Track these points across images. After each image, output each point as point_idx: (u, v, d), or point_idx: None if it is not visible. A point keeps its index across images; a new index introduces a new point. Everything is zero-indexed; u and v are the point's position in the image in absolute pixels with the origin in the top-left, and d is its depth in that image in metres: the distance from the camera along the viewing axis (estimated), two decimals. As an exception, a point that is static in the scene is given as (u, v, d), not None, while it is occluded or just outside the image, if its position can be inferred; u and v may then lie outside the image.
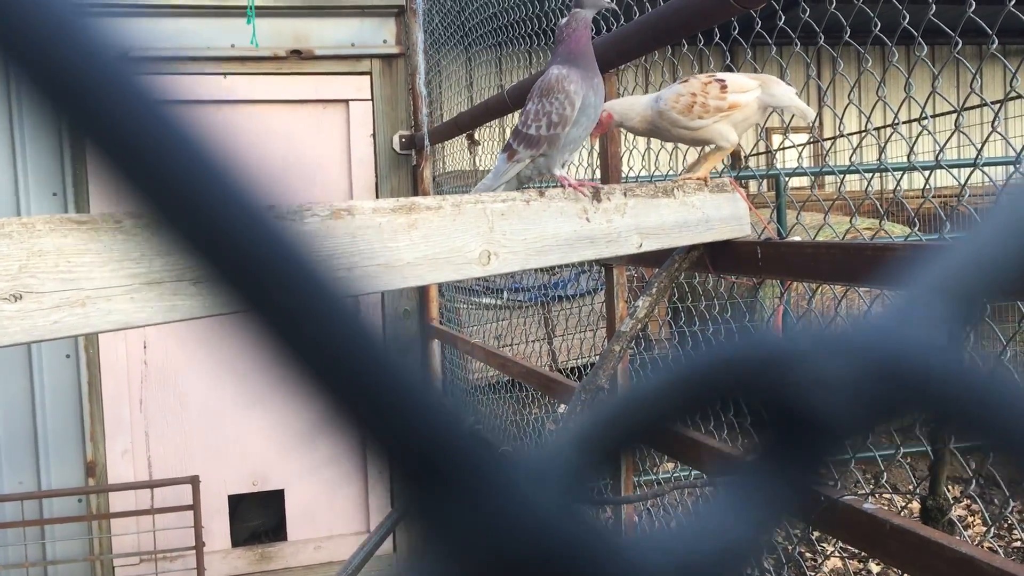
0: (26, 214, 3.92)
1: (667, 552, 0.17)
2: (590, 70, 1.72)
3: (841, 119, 1.73)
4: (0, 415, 3.96)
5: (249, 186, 0.19)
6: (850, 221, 1.85)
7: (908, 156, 1.74)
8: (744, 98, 1.81)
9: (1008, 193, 0.26)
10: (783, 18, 1.79)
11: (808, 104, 1.87)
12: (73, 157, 3.99)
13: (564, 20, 1.75)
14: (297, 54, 4.30)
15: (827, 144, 4.52)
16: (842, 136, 1.76)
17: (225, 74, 4.19)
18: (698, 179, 1.81)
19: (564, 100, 1.69)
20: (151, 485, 3.89)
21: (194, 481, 3.85)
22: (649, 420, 0.18)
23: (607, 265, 2.40)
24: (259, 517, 4.55)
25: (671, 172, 2.97)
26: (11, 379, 3.97)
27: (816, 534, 4.36)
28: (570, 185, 1.66)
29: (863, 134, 2.22)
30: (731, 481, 0.18)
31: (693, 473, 2.58)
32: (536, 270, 3.86)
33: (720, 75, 1.86)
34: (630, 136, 2.78)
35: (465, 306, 4.44)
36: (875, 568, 3.95)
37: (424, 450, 0.16)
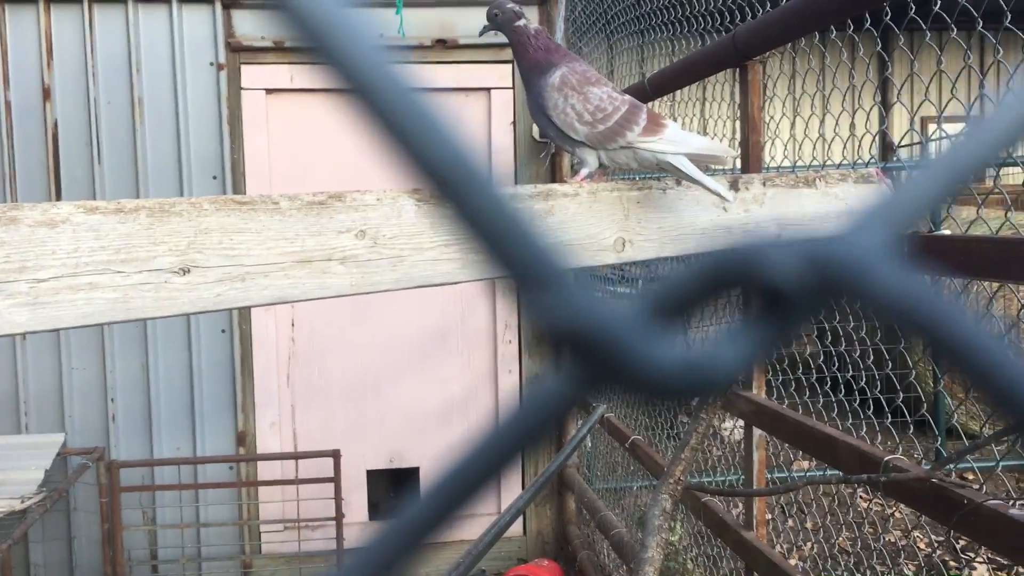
0: (188, 195, 4.16)
1: (675, 349, 0.27)
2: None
3: (999, 108, 1.65)
4: (162, 385, 4.24)
5: (478, 162, 0.29)
6: (1005, 215, 1.76)
7: (1073, 147, 1.65)
8: None
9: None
10: (939, 1, 1.71)
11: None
12: (232, 144, 4.22)
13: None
14: (442, 43, 4.39)
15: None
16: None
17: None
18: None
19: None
20: (296, 456, 4.09)
21: (336, 455, 4.02)
22: (682, 301, 0.28)
23: (745, 256, 2.36)
24: (395, 493, 4.70)
25: (815, 162, 2.89)
26: (172, 352, 4.24)
27: (961, 542, 4.16)
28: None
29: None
30: (729, 328, 0.28)
31: (828, 471, 2.51)
32: (671, 260, 3.82)
33: None
34: (772, 125, 2.72)
35: (600, 295, 4.45)
36: (1026, 582, 3.73)
37: (537, 277, 0.29)
